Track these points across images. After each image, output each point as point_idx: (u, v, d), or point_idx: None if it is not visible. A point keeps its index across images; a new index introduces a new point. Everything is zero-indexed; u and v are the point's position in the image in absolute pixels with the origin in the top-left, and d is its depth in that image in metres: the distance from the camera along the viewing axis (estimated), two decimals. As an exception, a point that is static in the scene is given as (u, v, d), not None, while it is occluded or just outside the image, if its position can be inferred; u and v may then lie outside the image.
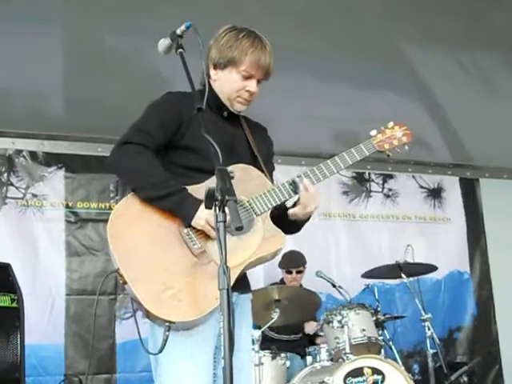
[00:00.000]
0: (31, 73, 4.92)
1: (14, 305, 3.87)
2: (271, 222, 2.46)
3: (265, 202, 2.43)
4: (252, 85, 2.52)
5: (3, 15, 4.34)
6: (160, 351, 2.23)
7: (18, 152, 5.79)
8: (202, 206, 2.22)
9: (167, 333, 2.20)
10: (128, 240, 2.31)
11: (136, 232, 2.33)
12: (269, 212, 2.45)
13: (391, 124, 2.74)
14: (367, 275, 5.30)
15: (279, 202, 2.46)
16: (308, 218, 2.58)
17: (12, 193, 5.71)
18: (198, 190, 2.35)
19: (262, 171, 2.57)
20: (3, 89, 5.15)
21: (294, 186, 2.48)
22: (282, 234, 2.44)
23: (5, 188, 5.69)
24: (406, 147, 2.76)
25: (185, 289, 2.24)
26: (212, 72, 2.55)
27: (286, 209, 2.57)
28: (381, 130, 2.72)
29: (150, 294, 2.21)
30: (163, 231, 2.34)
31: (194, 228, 2.35)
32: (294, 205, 2.53)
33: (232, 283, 2.01)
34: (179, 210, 2.33)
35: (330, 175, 2.57)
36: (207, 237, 2.34)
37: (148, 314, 2.27)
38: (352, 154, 2.61)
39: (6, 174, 5.72)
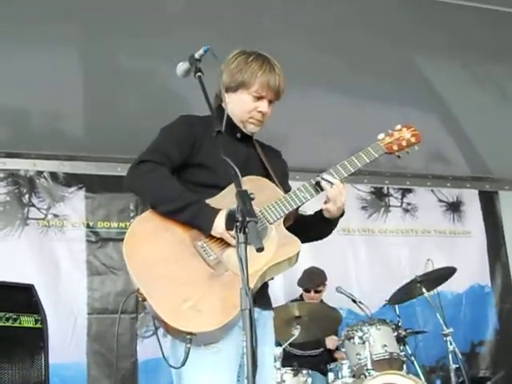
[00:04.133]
0: (50, 94, 4.98)
1: (38, 325, 3.89)
2: (285, 230, 2.49)
3: (277, 210, 2.48)
4: (263, 105, 2.59)
5: (23, 38, 4.42)
6: (183, 364, 2.24)
7: (39, 173, 5.87)
8: (220, 215, 2.32)
9: (188, 345, 2.20)
10: (143, 257, 2.35)
11: (151, 249, 2.37)
12: (282, 220, 2.49)
13: (399, 126, 2.76)
14: (393, 301, 5.24)
15: (291, 209, 2.50)
16: (342, 215, 2.63)
17: (33, 213, 5.77)
18: (211, 203, 2.42)
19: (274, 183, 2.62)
20: (23, 110, 5.23)
21: (318, 186, 2.54)
22: (297, 239, 2.47)
23: (26, 209, 5.76)
24: (416, 147, 2.76)
25: (203, 300, 2.27)
26: (224, 95, 2.59)
27: (316, 214, 2.65)
28: (388, 133, 2.74)
29: (168, 307, 2.24)
30: (178, 247, 2.38)
31: (207, 240, 2.39)
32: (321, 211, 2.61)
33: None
34: (197, 220, 2.38)
35: (339, 178, 2.59)
36: (222, 248, 2.38)
37: (169, 330, 2.29)
38: (361, 157, 2.64)
39: (27, 195, 5.79)
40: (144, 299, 2.27)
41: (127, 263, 2.34)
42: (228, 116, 2.55)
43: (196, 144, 2.53)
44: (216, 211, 2.37)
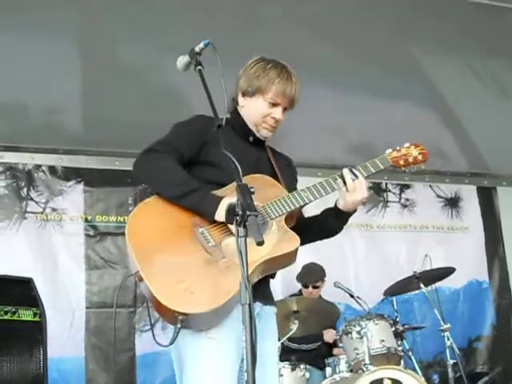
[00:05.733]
0: (49, 88, 4.98)
1: (37, 319, 3.90)
2: (285, 226, 2.53)
3: (279, 207, 2.53)
4: (277, 112, 2.66)
5: (21, 33, 4.41)
6: (171, 343, 2.28)
7: (38, 167, 5.86)
8: (223, 201, 2.39)
9: (179, 325, 2.24)
10: (145, 237, 2.40)
11: (153, 231, 2.43)
12: (283, 217, 2.53)
13: (407, 144, 2.80)
14: (389, 292, 5.27)
15: (293, 208, 2.55)
16: (354, 211, 2.69)
17: (32, 207, 5.77)
18: None
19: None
20: (22, 104, 5.22)
21: (342, 177, 2.60)
22: (297, 236, 2.50)
23: (25, 203, 5.76)
24: (423, 166, 2.81)
25: (197, 283, 2.31)
26: (240, 99, 2.71)
27: (327, 210, 2.72)
28: (396, 149, 2.79)
29: (163, 287, 2.28)
30: (179, 231, 2.43)
31: (208, 228, 2.44)
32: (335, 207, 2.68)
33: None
34: (202, 205, 2.43)
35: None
36: (222, 236, 2.43)
37: (161, 310, 2.31)
38: (366, 167, 2.68)
39: (25, 189, 5.79)
40: (140, 279, 2.30)
41: (128, 241, 2.38)
42: (242, 120, 2.70)
43: (207, 144, 2.58)
44: (220, 198, 2.43)
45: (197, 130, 2.61)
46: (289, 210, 2.54)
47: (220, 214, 2.39)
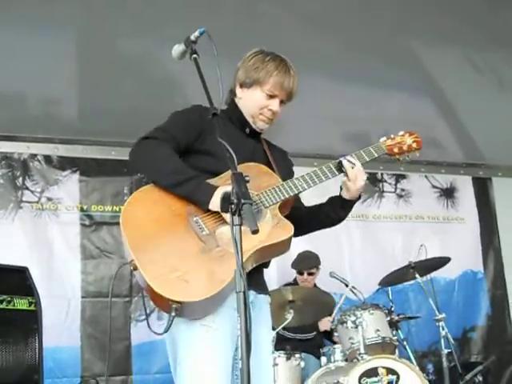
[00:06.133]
0: (45, 78, 4.97)
1: (32, 308, 3.90)
2: (280, 214, 2.55)
3: (274, 195, 2.54)
4: (274, 104, 2.67)
5: (18, 22, 4.40)
6: (165, 331, 2.29)
7: (33, 156, 5.85)
8: (218, 190, 2.39)
9: (173, 314, 2.24)
10: (139, 226, 2.41)
11: (147, 219, 2.43)
12: (278, 205, 2.55)
13: (401, 132, 2.83)
14: (384, 283, 5.29)
15: (287, 196, 2.56)
16: (358, 198, 2.72)
17: (27, 197, 5.77)
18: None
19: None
20: (18, 94, 5.21)
21: (340, 165, 2.65)
22: (291, 224, 2.52)
23: (20, 192, 5.75)
24: (417, 154, 2.84)
25: (191, 271, 2.31)
26: (238, 90, 2.72)
27: (332, 199, 2.75)
28: (390, 137, 2.81)
29: (157, 275, 2.28)
30: (174, 220, 2.43)
31: (203, 217, 2.44)
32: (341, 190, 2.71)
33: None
34: (196, 195, 2.44)
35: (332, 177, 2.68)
36: (216, 224, 2.43)
37: (155, 299, 2.32)
38: (361, 155, 2.71)
39: (21, 178, 5.78)
40: (135, 268, 2.31)
41: (122, 230, 2.38)
42: (240, 111, 2.71)
43: (203, 133, 2.58)
44: (215, 187, 2.44)
45: (194, 118, 2.61)
46: (283, 198, 2.55)
47: (214, 203, 2.39)
